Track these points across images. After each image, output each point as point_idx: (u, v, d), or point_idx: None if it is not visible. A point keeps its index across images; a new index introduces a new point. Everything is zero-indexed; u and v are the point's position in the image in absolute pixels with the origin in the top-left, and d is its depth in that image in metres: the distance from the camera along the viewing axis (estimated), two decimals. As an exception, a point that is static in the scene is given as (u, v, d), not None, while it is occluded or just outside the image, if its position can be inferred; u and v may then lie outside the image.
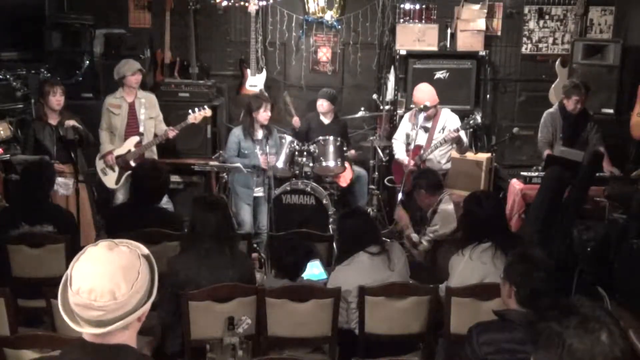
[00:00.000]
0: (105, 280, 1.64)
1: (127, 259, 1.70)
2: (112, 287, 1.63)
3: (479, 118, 5.15)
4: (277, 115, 6.66)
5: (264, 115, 5.34)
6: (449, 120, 5.40)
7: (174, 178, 6.09)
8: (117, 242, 1.74)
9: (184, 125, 5.47)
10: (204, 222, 3.29)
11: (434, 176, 4.62)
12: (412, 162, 5.36)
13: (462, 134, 5.26)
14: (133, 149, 5.41)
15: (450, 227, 4.38)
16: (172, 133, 5.43)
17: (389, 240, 3.69)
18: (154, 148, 5.57)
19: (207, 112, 5.51)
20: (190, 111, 5.48)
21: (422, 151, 5.36)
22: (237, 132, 5.46)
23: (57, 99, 5.05)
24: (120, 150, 5.42)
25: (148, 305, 1.72)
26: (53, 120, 5.11)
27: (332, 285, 3.41)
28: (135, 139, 5.43)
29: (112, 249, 1.70)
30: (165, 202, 5.52)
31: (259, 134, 5.42)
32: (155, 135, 5.53)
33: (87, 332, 1.67)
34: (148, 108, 5.49)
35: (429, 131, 5.41)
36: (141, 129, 5.46)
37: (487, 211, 3.45)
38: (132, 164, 5.33)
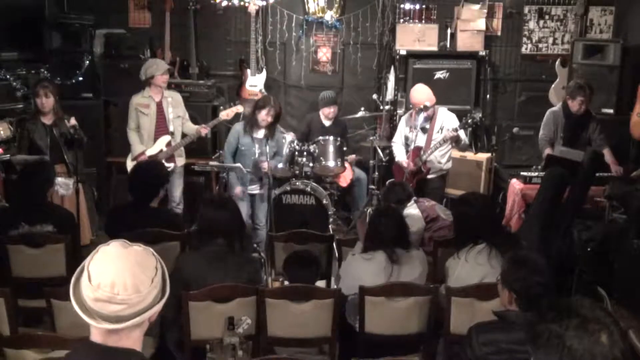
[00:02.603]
0: (127, 274, 1.66)
1: (143, 256, 1.74)
2: (135, 280, 1.66)
3: (477, 116, 5.15)
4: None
5: (262, 116, 5.30)
6: (446, 120, 5.40)
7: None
8: (129, 242, 1.78)
9: (216, 122, 5.51)
10: (213, 221, 3.30)
11: (403, 191, 4.63)
12: (411, 164, 5.36)
13: (461, 132, 5.26)
14: (165, 149, 5.41)
15: (417, 226, 4.38)
16: (204, 130, 5.45)
17: (417, 248, 3.65)
18: (182, 147, 5.57)
19: (239, 108, 5.52)
20: (221, 108, 5.49)
21: (421, 152, 5.36)
22: (238, 128, 5.42)
23: (42, 101, 5.00)
24: (152, 151, 5.40)
25: (161, 304, 1.74)
26: (47, 120, 5.08)
27: (345, 268, 3.49)
28: (166, 138, 5.42)
29: (127, 247, 1.74)
30: (178, 201, 5.56)
31: (260, 133, 5.39)
32: (184, 135, 5.53)
33: (104, 327, 1.67)
34: (175, 107, 5.49)
35: (428, 132, 5.41)
36: (171, 128, 5.45)
37: (477, 211, 3.45)
38: (165, 163, 5.34)
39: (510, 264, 2.56)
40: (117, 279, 1.65)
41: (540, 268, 2.49)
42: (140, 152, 5.39)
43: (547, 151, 5.43)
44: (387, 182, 5.28)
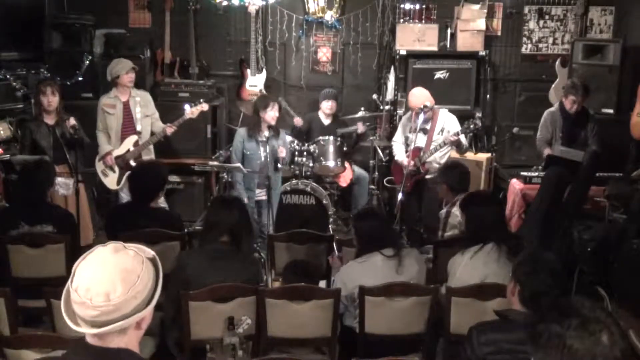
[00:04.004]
0: (102, 281, 1.65)
1: (130, 262, 1.71)
2: (108, 288, 1.64)
3: (479, 122, 5.13)
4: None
5: (271, 114, 5.26)
6: (447, 121, 5.40)
7: (174, 178, 6.10)
8: (127, 245, 1.76)
9: (181, 121, 5.43)
10: (220, 221, 3.30)
11: (464, 179, 4.46)
12: (411, 164, 5.36)
13: (462, 137, 5.25)
14: (132, 148, 5.39)
15: (450, 231, 4.35)
16: (170, 129, 5.41)
17: (410, 247, 3.66)
18: (151, 147, 5.54)
19: (204, 106, 5.44)
20: (187, 106, 5.44)
21: (421, 153, 5.36)
22: (242, 132, 5.39)
23: (48, 99, 5.00)
24: (119, 151, 5.40)
25: (146, 312, 1.72)
26: (50, 120, 5.08)
27: (341, 276, 3.44)
28: (133, 138, 5.41)
29: (118, 251, 1.72)
30: (161, 202, 5.53)
31: (264, 135, 5.37)
32: (153, 134, 5.52)
33: (84, 331, 1.68)
34: (143, 106, 5.47)
35: (428, 133, 5.41)
36: (138, 128, 5.43)
37: (485, 210, 3.45)
38: (132, 163, 5.31)
39: (524, 257, 2.59)
40: (92, 285, 1.65)
41: (552, 269, 2.49)
42: (107, 152, 5.38)
43: (546, 151, 5.43)
44: (450, 162, 5.03)
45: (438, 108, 5.48)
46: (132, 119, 5.42)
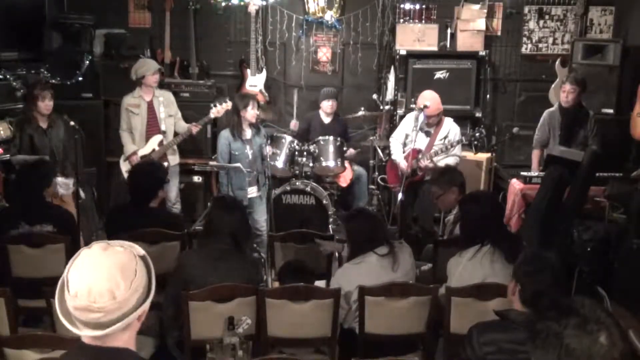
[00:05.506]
0: (102, 280, 1.63)
1: (123, 258, 1.70)
2: (111, 286, 1.63)
3: (484, 132, 5.30)
4: (277, 116, 6.67)
5: (251, 112, 5.28)
6: (452, 131, 5.42)
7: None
8: (111, 243, 1.74)
9: (206, 120, 5.50)
10: (222, 222, 3.30)
11: (462, 174, 4.48)
12: (409, 167, 5.36)
13: (458, 148, 5.31)
14: (157, 148, 5.41)
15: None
16: (195, 129, 5.46)
17: (399, 241, 3.65)
18: (176, 147, 5.57)
19: (229, 105, 5.45)
20: (212, 105, 5.48)
21: (420, 155, 5.36)
22: (225, 135, 5.36)
23: (46, 104, 5.01)
24: (144, 150, 5.41)
25: (147, 304, 1.72)
26: (43, 123, 5.08)
27: (337, 280, 3.44)
28: (158, 137, 5.43)
29: (107, 249, 1.70)
30: (175, 201, 5.56)
31: (247, 133, 5.38)
32: (176, 134, 5.53)
33: (86, 334, 1.67)
34: (167, 106, 5.50)
35: (431, 136, 5.42)
36: (162, 128, 5.46)
37: (483, 210, 3.44)
38: None
39: (526, 256, 2.60)
40: (93, 286, 1.62)
41: (553, 269, 2.49)
42: (132, 152, 5.39)
43: (536, 152, 5.57)
44: (447, 167, 4.99)
45: (444, 117, 5.50)
46: (156, 118, 5.45)
